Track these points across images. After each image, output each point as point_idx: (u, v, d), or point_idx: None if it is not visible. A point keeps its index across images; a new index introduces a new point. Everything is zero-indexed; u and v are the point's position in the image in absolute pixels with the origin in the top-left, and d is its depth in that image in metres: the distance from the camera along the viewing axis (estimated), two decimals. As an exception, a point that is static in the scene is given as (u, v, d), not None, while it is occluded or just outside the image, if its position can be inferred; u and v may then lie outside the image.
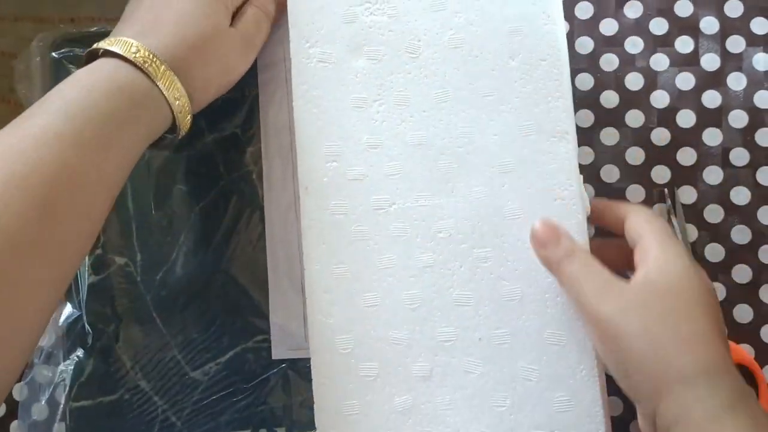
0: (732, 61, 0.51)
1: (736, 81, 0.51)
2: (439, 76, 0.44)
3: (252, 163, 0.49)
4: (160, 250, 0.49)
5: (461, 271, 0.43)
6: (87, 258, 0.49)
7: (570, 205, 0.42)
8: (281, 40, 0.48)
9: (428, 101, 0.44)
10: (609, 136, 0.51)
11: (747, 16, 0.51)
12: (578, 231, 0.42)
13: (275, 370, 0.48)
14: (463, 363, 0.42)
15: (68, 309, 0.50)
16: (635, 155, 0.51)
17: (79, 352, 0.49)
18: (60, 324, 0.49)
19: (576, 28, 0.52)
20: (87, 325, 0.49)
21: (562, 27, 0.43)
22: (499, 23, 0.43)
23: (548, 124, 0.43)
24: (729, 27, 0.51)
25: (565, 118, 0.43)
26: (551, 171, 0.42)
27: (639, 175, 0.50)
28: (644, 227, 0.39)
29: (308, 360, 0.44)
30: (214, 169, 0.49)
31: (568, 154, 0.43)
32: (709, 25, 0.51)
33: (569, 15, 0.51)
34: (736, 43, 0.51)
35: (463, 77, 0.44)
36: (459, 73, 0.44)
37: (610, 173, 0.50)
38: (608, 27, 0.51)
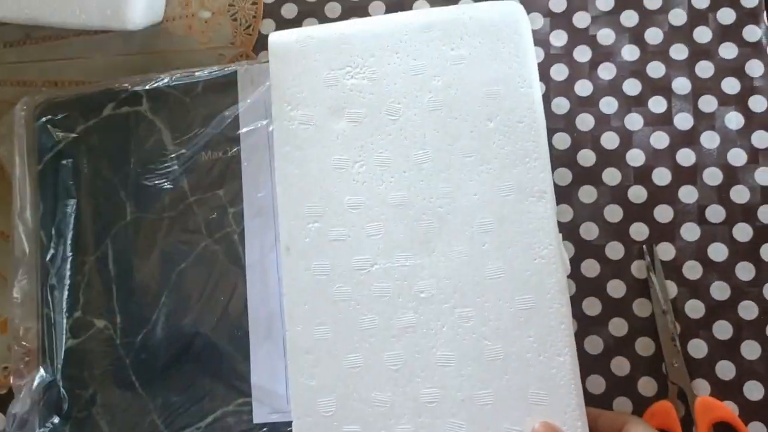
0: (704, 120, 0.52)
1: (710, 139, 0.52)
2: (418, 138, 0.44)
3: (234, 224, 0.49)
4: (141, 312, 0.49)
5: (443, 331, 0.43)
6: (65, 321, 0.49)
7: (550, 264, 0.42)
8: (263, 104, 0.49)
9: (408, 162, 0.44)
10: (587, 193, 0.51)
11: (718, 77, 0.52)
12: (559, 290, 0.42)
13: (257, 435, 0.48)
14: (446, 424, 0.42)
15: (41, 373, 0.49)
16: (613, 212, 0.51)
17: (55, 419, 0.48)
18: (34, 389, 0.48)
19: (552, 89, 0.53)
20: (63, 390, 0.48)
21: (538, 90, 0.44)
22: (477, 86, 0.44)
23: (527, 183, 0.43)
24: (700, 87, 0.52)
25: (543, 178, 0.43)
26: (531, 230, 0.43)
27: (617, 232, 0.51)
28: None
29: (290, 423, 0.43)
30: (196, 230, 0.49)
31: (547, 213, 0.43)
32: (681, 85, 0.52)
33: (545, 76, 0.53)
34: (708, 103, 0.52)
35: (443, 138, 0.44)
36: (438, 134, 0.44)
37: (589, 231, 0.51)
38: (583, 88, 0.53)
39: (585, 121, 0.52)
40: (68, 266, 0.49)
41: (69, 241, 0.49)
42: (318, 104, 0.46)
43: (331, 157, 0.45)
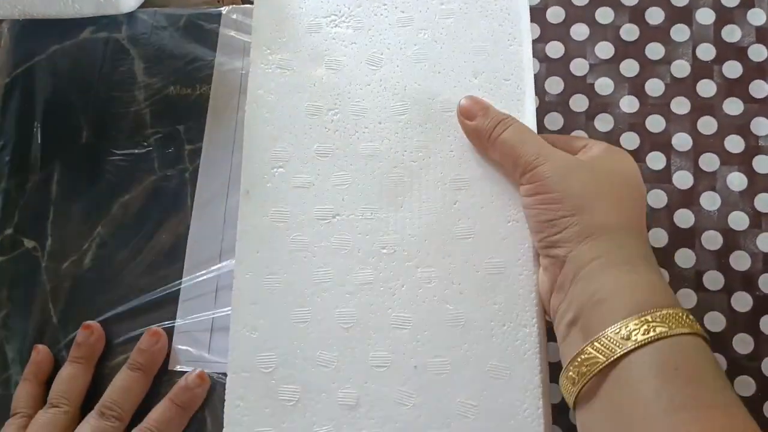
0: (705, 180, 0.47)
1: (710, 200, 0.47)
2: (399, 90, 0.42)
3: (188, 161, 0.47)
4: (74, 239, 0.46)
5: (402, 290, 0.39)
6: None
7: (523, 228, 0.39)
8: (242, 48, 0.47)
9: (386, 113, 0.42)
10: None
11: (721, 134, 0.48)
12: (531, 256, 0.39)
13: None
14: (394, 393, 0.38)
15: None
16: None
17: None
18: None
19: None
20: None
21: (528, 48, 0.42)
22: (464, 42, 0.42)
23: (507, 144, 0.40)
24: (702, 144, 0.48)
25: (525, 139, 0.40)
26: (506, 191, 0.40)
27: None
28: (598, 141, 0.40)
29: (222, 375, 0.39)
30: (149, 162, 0.47)
31: (526, 176, 0.40)
32: (682, 141, 0.48)
33: (539, 125, 0.47)
34: (709, 161, 0.48)
35: (424, 91, 0.42)
36: (420, 87, 0.42)
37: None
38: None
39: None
40: (12, 182, 0.46)
41: (17, 159, 0.47)
42: (298, 50, 0.43)
43: (305, 103, 0.42)
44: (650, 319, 0.33)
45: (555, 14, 0.51)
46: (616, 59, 0.50)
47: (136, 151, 0.47)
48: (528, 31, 0.42)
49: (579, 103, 0.49)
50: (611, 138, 0.49)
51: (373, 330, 0.39)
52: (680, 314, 0.33)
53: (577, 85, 0.50)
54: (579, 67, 0.50)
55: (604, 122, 0.49)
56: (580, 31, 0.51)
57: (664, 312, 0.33)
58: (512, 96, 0.41)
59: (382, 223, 0.40)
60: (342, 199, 0.41)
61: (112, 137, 0.47)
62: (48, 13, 0.47)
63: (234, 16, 0.49)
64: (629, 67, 0.50)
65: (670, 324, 0.33)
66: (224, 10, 0.49)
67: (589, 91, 0.50)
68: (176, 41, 0.49)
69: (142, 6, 0.50)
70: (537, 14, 0.51)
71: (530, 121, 0.40)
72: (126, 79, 0.48)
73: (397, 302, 0.39)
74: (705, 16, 0.50)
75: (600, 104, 0.49)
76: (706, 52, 0.49)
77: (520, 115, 0.40)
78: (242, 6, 0.49)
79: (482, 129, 0.39)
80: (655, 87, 0.49)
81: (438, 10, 0.43)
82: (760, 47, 0.49)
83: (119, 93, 0.48)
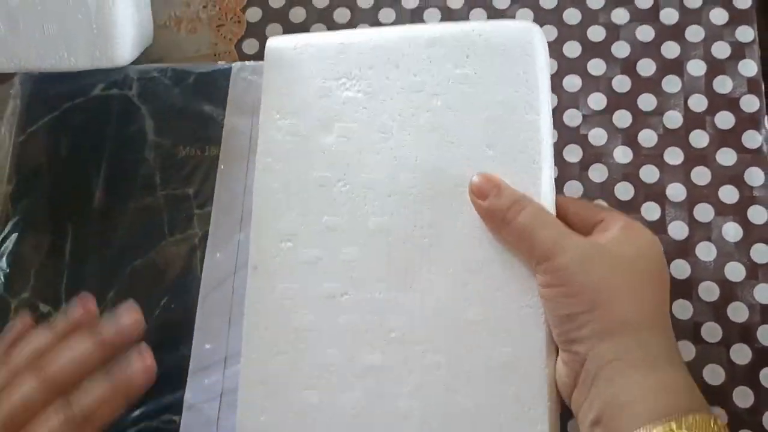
0: (700, 230, 0.46)
1: (706, 251, 0.46)
2: (410, 160, 0.40)
3: (198, 226, 0.46)
4: None
5: (410, 377, 0.38)
6: (11, 301, 0.46)
7: (538, 316, 0.37)
8: (250, 112, 0.46)
9: (396, 185, 0.40)
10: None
11: (715, 184, 0.47)
12: (544, 346, 0.37)
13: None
14: (401, 485, 0.37)
15: None
16: None
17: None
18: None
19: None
20: None
21: (547, 118, 0.39)
22: (479, 109, 0.40)
23: (522, 221, 0.38)
24: (697, 195, 0.47)
25: (541, 218, 0.38)
26: (521, 275, 0.38)
27: None
28: (615, 214, 0.39)
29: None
30: (159, 226, 0.46)
31: (542, 258, 0.38)
32: (676, 192, 0.47)
33: None
34: (704, 212, 0.47)
35: (436, 163, 0.40)
36: (431, 158, 0.40)
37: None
38: (572, 190, 0.48)
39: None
40: (26, 246, 0.47)
41: (31, 220, 0.47)
42: (308, 115, 0.42)
43: (314, 173, 0.41)
44: (674, 427, 0.31)
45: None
46: (609, 110, 0.49)
47: (147, 213, 0.46)
48: (547, 100, 0.40)
49: (573, 153, 0.49)
50: (606, 188, 0.48)
51: (379, 417, 0.38)
52: (707, 420, 0.32)
53: (570, 135, 0.49)
54: (572, 117, 0.49)
55: (598, 172, 0.48)
56: (572, 83, 0.50)
57: (690, 419, 0.32)
58: (528, 170, 0.39)
59: (391, 303, 0.39)
60: (350, 276, 0.40)
61: (124, 199, 0.47)
62: (43, 66, 0.47)
63: (244, 75, 0.48)
64: (622, 118, 0.49)
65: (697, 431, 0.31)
66: (235, 67, 0.48)
67: (583, 141, 0.49)
68: (186, 98, 0.48)
69: (140, 61, 0.49)
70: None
71: (548, 199, 0.38)
72: (137, 138, 0.48)
73: (405, 389, 0.38)
74: (696, 67, 0.49)
75: (594, 155, 0.49)
76: (698, 103, 0.49)
77: (536, 191, 0.38)
78: (252, 63, 0.48)
79: (495, 210, 0.37)
80: (648, 138, 0.48)
81: (452, 75, 0.41)
82: (752, 98, 0.48)
83: (130, 152, 0.48)
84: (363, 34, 0.43)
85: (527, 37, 0.40)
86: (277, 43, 0.44)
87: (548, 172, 0.39)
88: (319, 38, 0.44)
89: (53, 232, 0.47)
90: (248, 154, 0.46)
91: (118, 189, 0.47)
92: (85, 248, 0.47)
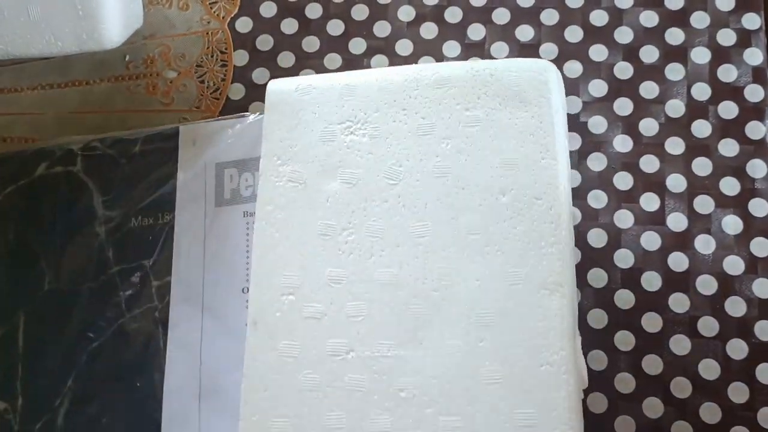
0: (700, 222, 0.46)
1: (705, 244, 0.45)
2: (419, 208, 0.38)
3: (157, 299, 0.44)
4: (44, 396, 0.43)
5: (422, 442, 0.35)
6: None
7: (560, 374, 0.34)
8: (202, 172, 0.45)
9: (404, 235, 0.38)
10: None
11: (716, 176, 0.46)
12: (568, 407, 0.34)
13: None
14: None
15: None
16: (597, 318, 0.45)
17: None
18: None
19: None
20: None
21: (564, 164, 0.37)
22: (491, 154, 0.38)
23: (540, 273, 0.36)
24: (697, 186, 0.46)
25: (560, 268, 0.36)
26: (540, 330, 0.35)
27: (601, 341, 0.45)
28: None
29: None
30: (116, 304, 0.44)
31: (562, 311, 0.35)
32: (676, 182, 0.46)
33: None
34: (704, 204, 0.46)
35: (446, 211, 0.38)
36: (442, 205, 0.38)
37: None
38: (571, 179, 0.47)
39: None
40: None
41: None
42: (311, 161, 0.40)
43: (317, 222, 0.39)
44: None
45: (548, 51, 0.50)
46: (610, 97, 0.49)
47: (102, 292, 0.44)
48: (564, 145, 0.38)
49: (572, 141, 0.48)
50: (604, 178, 0.47)
51: (390, 487, 0.35)
52: None
53: (570, 123, 0.48)
54: (572, 104, 0.49)
55: (597, 161, 0.47)
56: (573, 69, 0.49)
57: None
58: (544, 218, 0.37)
59: (401, 361, 0.36)
60: (357, 332, 0.37)
61: (76, 280, 0.45)
62: (30, 52, 0.45)
63: (190, 132, 0.46)
64: (623, 106, 0.48)
65: None
66: (180, 126, 0.47)
67: (582, 129, 0.48)
68: (133, 168, 0.46)
69: (109, 131, 0.47)
70: (530, 51, 0.50)
71: (566, 254, 0.36)
72: (85, 215, 0.46)
73: (417, 456, 0.35)
74: (700, 54, 0.49)
75: (593, 143, 0.48)
76: (702, 91, 0.48)
77: (553, 241, 0.36)
78: (199, 124, 0.47)
79: None
80: (649, 126, 0.48)
81: (462, 117, 0.39)
82: (757, 87, 0.48)
83: (80, 230, 0.46)
84: (368, 74, 0.41)
85: (542, 77, 0.38)
86: (278, 85, 0.42)
87: (567, 222, 0.36)
88: (322, 80, 0.42)
89: (4, 323, 0.45)
90: (204, 217, 0.44)
91: (69, 270, 0.45)
92: (40, 336, 0.44)
